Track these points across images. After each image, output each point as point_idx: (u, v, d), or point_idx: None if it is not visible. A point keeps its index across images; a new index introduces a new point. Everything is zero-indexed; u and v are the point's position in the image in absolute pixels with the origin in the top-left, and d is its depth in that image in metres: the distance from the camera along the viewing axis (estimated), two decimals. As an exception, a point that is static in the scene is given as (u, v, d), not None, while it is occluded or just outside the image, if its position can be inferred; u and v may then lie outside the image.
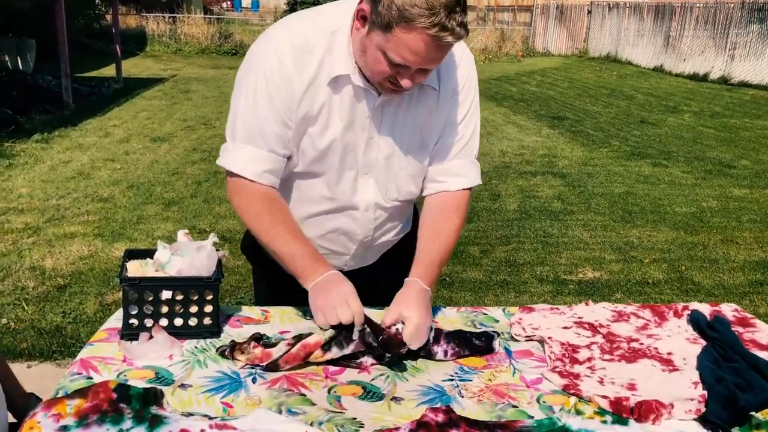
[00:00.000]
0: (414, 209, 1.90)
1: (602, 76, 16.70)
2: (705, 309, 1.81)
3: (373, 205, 1.69)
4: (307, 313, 1.66)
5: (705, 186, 6.80)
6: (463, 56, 1.64)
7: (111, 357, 1.46)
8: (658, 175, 7.20)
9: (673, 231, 5.45)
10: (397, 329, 1.48)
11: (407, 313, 1.48)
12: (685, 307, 1.81)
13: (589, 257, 4.84)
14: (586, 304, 1.84)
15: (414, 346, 1.47)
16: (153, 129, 8.83)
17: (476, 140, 1.71)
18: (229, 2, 53.87)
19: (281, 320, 1.67)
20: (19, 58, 12.12)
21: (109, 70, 13.95)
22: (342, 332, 1.46)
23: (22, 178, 6.32)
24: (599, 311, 1.79)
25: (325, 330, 1.46)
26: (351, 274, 1.62)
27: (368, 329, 1.47)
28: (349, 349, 1.46)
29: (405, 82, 1.44)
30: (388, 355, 1.46)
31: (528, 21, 23.34)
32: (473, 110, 1.68)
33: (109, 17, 18.93)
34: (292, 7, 42.06)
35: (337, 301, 1.44)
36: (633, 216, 5.80)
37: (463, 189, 1.70)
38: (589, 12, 21.69)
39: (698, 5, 17.40)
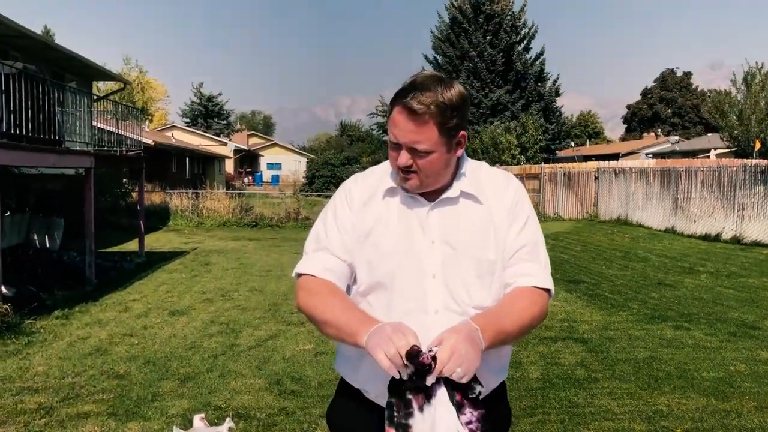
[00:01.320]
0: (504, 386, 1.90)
1: (615, 238, 16.92)
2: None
3: (442, 308, 1.70)
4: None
5: (731, 349, 6.63)
6: (511, 180, 1.83)
7: None
8: (681, 338, 7.06)
9: (703, 398, 5.24)
10: (432, 352, 1.47)
11: (445, 335, 1.51)
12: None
13: (618, 428, 4.63)
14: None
15: (450, 371, 1.45)
16: (172, 302, 8.92)
17: (541, 248, 1.82)
18: (250, 177, 56.45)
19: None
20: (47, 236, 12.56)
21: (132, 245, 14.35)
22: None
23: (40, 355, 6.31)
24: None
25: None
26: None
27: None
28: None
29: (400, 160, 1.67)
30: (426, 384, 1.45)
31: (537, 188, 24.11)
32: (531, 221, 1.81)
33: (134, 194, 19.84)
34: (311, 181, 43.86)
35: (391, 333, 1.49)
36: (659, 382, 5.62)
37: (534, 287, 1.76)
38: (596, 177, 22.43)
39: (702, 169, 17.98)
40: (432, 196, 1.74)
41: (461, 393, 1.47)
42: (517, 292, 1.75)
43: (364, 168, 2.00)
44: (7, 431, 4.47)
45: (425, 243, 1.71)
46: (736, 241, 15.44)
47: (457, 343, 1.48)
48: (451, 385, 1.47)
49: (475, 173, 1.80)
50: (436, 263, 1.70)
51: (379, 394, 1.75)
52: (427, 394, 1.47)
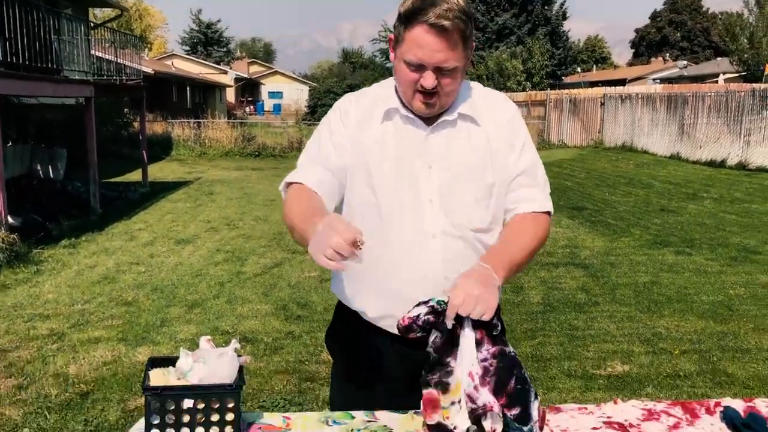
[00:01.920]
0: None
1: (619, 165, 16.86)
2: (739, 405, 1.76)
3: (440, 233, 1.68)
4: (329, 419, 1.64)
5: (731, 273, 6.70)
6: (506, 102, 1.80)
7: (132, 470, 1.44)
8: (682, 263, 7.13)
9: (701, 320, 5.34)
10: (431, 302, 1.48)
11: (458, 281, 1.48)
12: (718, 404, 1.76)
13: (617, 350, 4.74)
14: (615, 402, 1.79)
15: (466, 312, 1.43)
16: (177, 231, 8.99)
17: (539, 170, 1.79)
18: (252, 107, 55.91)
19: (303, 427, 1.65)
20: (50, 166, 12.56)
21: (135, 175, 14.37)
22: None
23: (49, 283, 6.42)
24: (628, 410, 1.75)
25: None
26: (405, 343, 1.66)
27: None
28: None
29: (427, 82, 1.58)
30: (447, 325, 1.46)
31: (542, 114, 23.86)
32: (527, 144, 1.78)
33: (136, 124, 19.73)
34: (313, 110, 43.46)
35: (322, 232, 1.40)
36: (659, 306, 5.71)
37: (536, 212, 1.74)
38: (602, 104, 22.16)
39: (710, 94, 17.73)
40: (430, 119, 1.70)
41: (483, 330, 1.49)
42: (520, 219, 1.73)
43: None
44: (20, 355, 4.59)
45: (423, 167, 1.68)
46: (741, 166, 15.37)
47: (468, 286, 1.45)
48: (473, 324, 1.48)
49: (471, 94, 1.76)
50: (434, 188, 1.68)
51: (376, 316, 1.77)
52: (454, 337, 1.47)
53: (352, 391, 1.84)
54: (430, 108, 1.64)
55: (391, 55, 1.67)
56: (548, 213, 1.77)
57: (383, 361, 1.80)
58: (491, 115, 1.74)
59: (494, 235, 1.75)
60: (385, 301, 1.73)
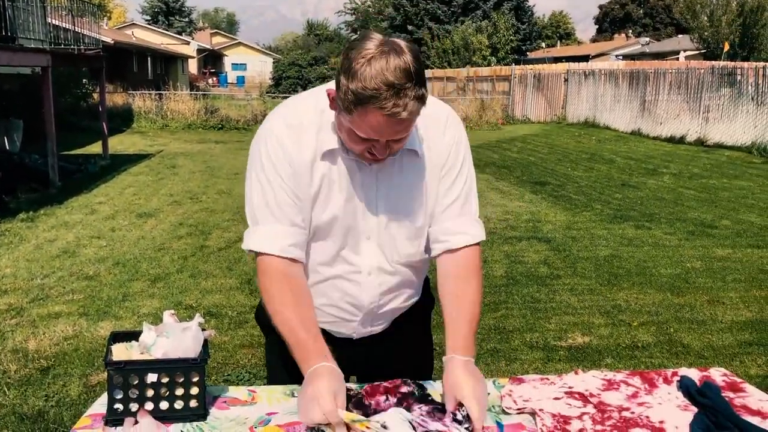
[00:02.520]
0: (426, 279, 1.93)
1: (581, 141, 17.05)
2: (694, 374, 1.81)
3: (376, 269, 1.71)
4: (294, 392, 1.65)
5: (688, 247, 6.87)
6: (448, 121, 1.71)
7: (95, 444, 1.42)
8: (642, 237, 7.27)
9: (659, 293, 5.47)
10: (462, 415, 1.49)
11: (463, 393, 1.50)
12: (675, 373, 1.81)
13: (578, 322, 4.83)
14: (576, 372, 1.83)
15: (482, 421, 1.48)
16: (139, 205, 8.85)
17: (473, 199, 1.75)
18: (215, 78, 55.00)
19: (269, 401, 1.65)
20: (6, 138, 12.22)
21: (95, 147, 14.07)
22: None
23: (6, 257, 6.28)
24: (589, 380, 1.79)
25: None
26: (362, 343, 1.75)
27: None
28: None
29: (378, 152, 1.51)
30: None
31: (507, 90, 23.96)
32: (466, 171, 1.73)
33: (96, 95, 19.26)
34: (277, 82, 42.92)
35: (309, 400, 1.43)
36: (619, 279, 5.83)
37: (467, 246, 1.72)
38: (566, 80, 22.32)
39: (670, 71, 17.98)
40: None
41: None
42: (460, 272, 1.71)
43: (332, 69, 1.74)
44: (-23, 331, 4.50)
45: (364, 206, 1.66)
46: (700, 143, 15.68)
47: (478, 395, 1.50)
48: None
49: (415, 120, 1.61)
50: (372, 226, 1.67)
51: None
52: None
53: (286, 366, 1.81)
54: (379, 163, 1.58)
55: (335, 110, 1.51)
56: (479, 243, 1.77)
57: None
58: (432, 143, 1.67)
59: (425, 262, 1.81)
60: (321, 316, 1.75)
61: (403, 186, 1.67)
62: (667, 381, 1.78)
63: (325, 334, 1.81)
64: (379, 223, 1.68)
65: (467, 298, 1.69)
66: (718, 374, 1.84)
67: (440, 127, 1.69)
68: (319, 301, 1.73)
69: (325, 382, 1.45)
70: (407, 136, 1.53)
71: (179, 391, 1.53)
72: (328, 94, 1.51)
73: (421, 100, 1.43)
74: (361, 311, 1.76)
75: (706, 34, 29.60)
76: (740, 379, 1.82)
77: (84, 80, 20.03)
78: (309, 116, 1.61)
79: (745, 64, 16.57)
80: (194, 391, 1.54)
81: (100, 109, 14.07)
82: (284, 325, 1.58)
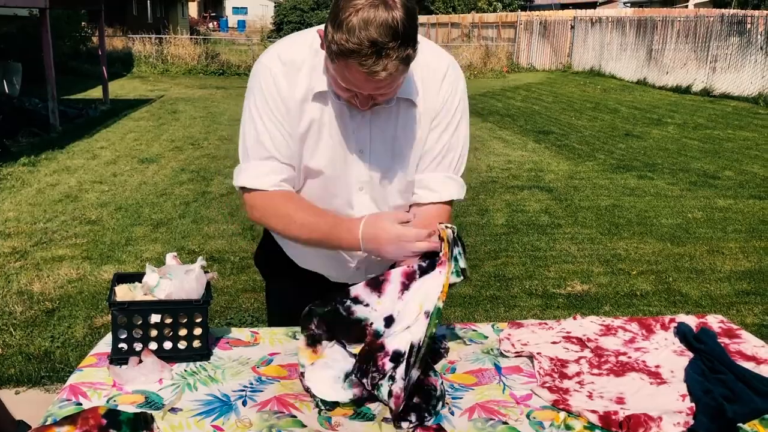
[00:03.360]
0: None
1: (586, 90, 16.86)
2: (691, 321, 1.83)
3: None
4: (296, 333, 1.67)
5: (690, 197, 6.86)
6: (447, 73, 1.65)
7: (100, 382, 1.45)
8: (644, 187, 7.26)
9: (659, 243, 5.49)
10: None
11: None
12: (672, 320, 1.83)
13: (577, 270, 4.87)
14: (574, 318, 1.85)
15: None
16: (141, 150, 8.82)
17: (456, 156, 1.69)
18: (215, 22, 54.13)
19: (270, 342, 1.67)
20: (5, 81, 12.11)
21: (96, 92, 13.94)
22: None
23: (9, 201, 6.29)
24: (587, 325, 1.81)
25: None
26: None
27: None
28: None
29: (361, 104, 1.50)
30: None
31: (512, 37, 23.57)
32: (453, 128, 1.67)
33: (95, 39, 18.99)
34: (278, 27, 42.26)
35: (391, 242, 1.50)
36: (620, 228, 5.84)
37: (432, 203, 1.68)
38: (572, 27, 21.94)
39: (679, 19, 17.65)
40: None
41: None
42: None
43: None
44: (-18, 274, 4.54)
45: (356, 154, 1.62)
46: (706, 93, 15.50)
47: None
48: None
49: (413, 67, 1.50)
50: (364, 177, 1.64)
51: (305, 268, 1.85)
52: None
53: (286, 306, 1.84)
54: (366, 109, 1.54)
55: (322, 45, 1.46)
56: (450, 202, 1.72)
57: (317, 281, 1.85)
58: (429, 93, 1.63)
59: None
60: (316, 258, 1.78)
61: (398, 137, 1.63)
62: (664, 327, 1.80)
63: (321, 278, 1.83)
64: (371, 174, 1.64)
65: None
66: (714, 321, 1.86)
67: (438, 80, 1.64)
68: (313, 253, 1.74)
69: (385, 219, 1.52)
70: (392, 92, 1.49)
71: (182, 332, 1.56)
72: (319, 35, 1.48)
73: (406, 61, 1.38)
74: (354, 261, 1.77)
75: (716, -20, 28.94)
76: (737, 326, 1.84)
77: (83, 23, 19.71)
78: (303, 55, 1.58)
79: (756, 13, 16.23)
80: (197, 331, 1.56)
81: (100, 53, 13.88)
82: (302, 229, 1.59)
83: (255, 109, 1.60)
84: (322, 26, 1.53)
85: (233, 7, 61.12)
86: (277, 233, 1.71)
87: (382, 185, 1.66)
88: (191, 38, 22.68)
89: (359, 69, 1.36)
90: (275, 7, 48.88)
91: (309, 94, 1.57)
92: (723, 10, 17.97)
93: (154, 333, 1.54)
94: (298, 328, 1.62)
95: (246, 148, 1.62)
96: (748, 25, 15.08)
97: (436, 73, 1.64)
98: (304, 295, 1.59)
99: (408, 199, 1.71)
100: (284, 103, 1.58)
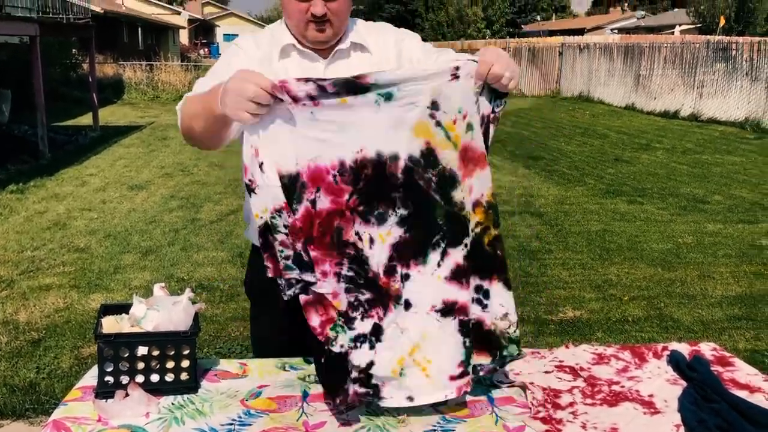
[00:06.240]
0: None
1: (575, 115, 17.00)
2: (684, 349, 1.82)
3: None
4: (286, 365, 1.65)
5: (680, 222, 6.89)
6: (386, 27, 1.85)
7: (85, 417, 1.42)
8: (634, 212, 7.29)
9: (650, 268, 5.49)
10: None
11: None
12: (665, 348, 1.82)
13: (569, 296, 4.85)
14: (566, 347, 1.84)
15: (497, 74, 1.59)
16: (130, 177, 8.80)
17: (443, 51, 1.76)
18: (206, 49, 54.38)
19: (260, 374, 1.65)
20: (-6, 108, 12.09)
21: (86, 119, 13.93)
22: None
23: (-4, 229, 6.24)
24: (579, 354, 1.79)
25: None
26: None
27: None
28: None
29: (317, 9, 1.62)
30: None
31: (501, 63, 23.73)
32: (419, 41, 1.82)
33: (86, 66, 19.02)
34: (269, 53, 42.27)
35: (238, 90, 1.35)
36: (610, 253, 5.85)
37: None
38: (561, 53, 22.19)
39: (665, 45, 17.89)
40: (325, 52, 1.74)
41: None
42: None
43: None
44: (-32, 303, 4.48)
45: None
46: (694, 118, 15.66)
47: (500, 51, 1.55)
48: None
49: (357, 26, 1.80)
50: None
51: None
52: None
53: (271, 336, 1.87)
54: (324, 35, 1.68)
55: None
56: None
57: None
58: (378, 40, 1.79)
59: None
60: None
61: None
62: (657, 355, 1.79)
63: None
64: None
65: None
66: (707, 348, 1.85)
67: (381, 30, 1.82)
68: None
69: (243, 69, 1.40)
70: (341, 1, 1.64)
71: (170, 364, 1.53)
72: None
73: None
74: None
75: (702, 8, 29.44)
76: (729, 353, 1.83)
77: (73, 50, 19.77)
78: (265, 30, 1.81)
79: (741, 39, 16.49)
80: (185, 363, 1.54)
81: (90, 79, 13.90)
82: (191, 105, 1.60)
83: (221, 58, 1.78)
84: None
85: (224, 34, 61.45)
86: (183, 127, 1.68)
87: None
88: (182, 65, 22.78)
89: None
90: (266, 34, 49.11)
91: (273, 52, 1.71)
92: (708, 37, 18.23)
93: (141, 365, 1.52)
94: (288, 360, 1.60)
95: (194, 85, 1.71)
96: (733, 52, 15.30)
97: (380, 26, 1.84)
98: (293, 323, 1.58)
99: None
100: (249, 57, 1.71)
